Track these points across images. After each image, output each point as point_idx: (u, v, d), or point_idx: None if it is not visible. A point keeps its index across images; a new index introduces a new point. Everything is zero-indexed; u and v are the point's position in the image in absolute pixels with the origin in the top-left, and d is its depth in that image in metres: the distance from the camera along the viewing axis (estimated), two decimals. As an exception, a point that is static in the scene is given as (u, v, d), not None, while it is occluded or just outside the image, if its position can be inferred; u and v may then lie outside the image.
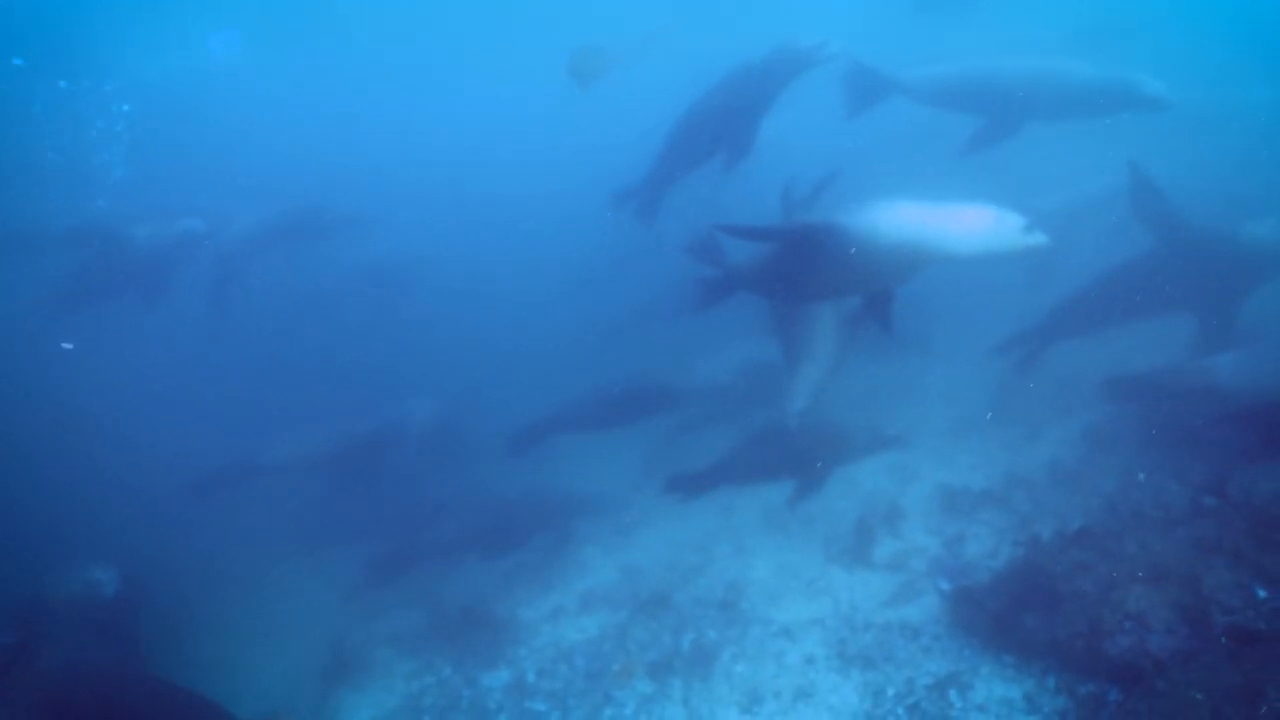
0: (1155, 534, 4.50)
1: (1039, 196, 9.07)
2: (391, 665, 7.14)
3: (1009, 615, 4.72)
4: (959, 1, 14.19)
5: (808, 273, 4.92)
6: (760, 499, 8.33)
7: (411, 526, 9.13)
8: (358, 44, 20.22)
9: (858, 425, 9.20)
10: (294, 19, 18.71)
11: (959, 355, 9.51)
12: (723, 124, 6.86)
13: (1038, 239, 4.10)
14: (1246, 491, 4.68)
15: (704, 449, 9.82)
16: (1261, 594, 3.93)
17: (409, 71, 21.51)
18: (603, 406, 8.78)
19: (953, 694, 4.38)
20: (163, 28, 15.91)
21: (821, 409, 6.99)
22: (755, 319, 7.82)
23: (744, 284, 5.81)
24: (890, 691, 4.60)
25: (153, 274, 9.73)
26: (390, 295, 13.00)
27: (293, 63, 19.53)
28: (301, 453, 9.68)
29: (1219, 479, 5.11)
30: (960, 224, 4.21)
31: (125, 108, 12.56)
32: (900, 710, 4.40)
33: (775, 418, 6.92)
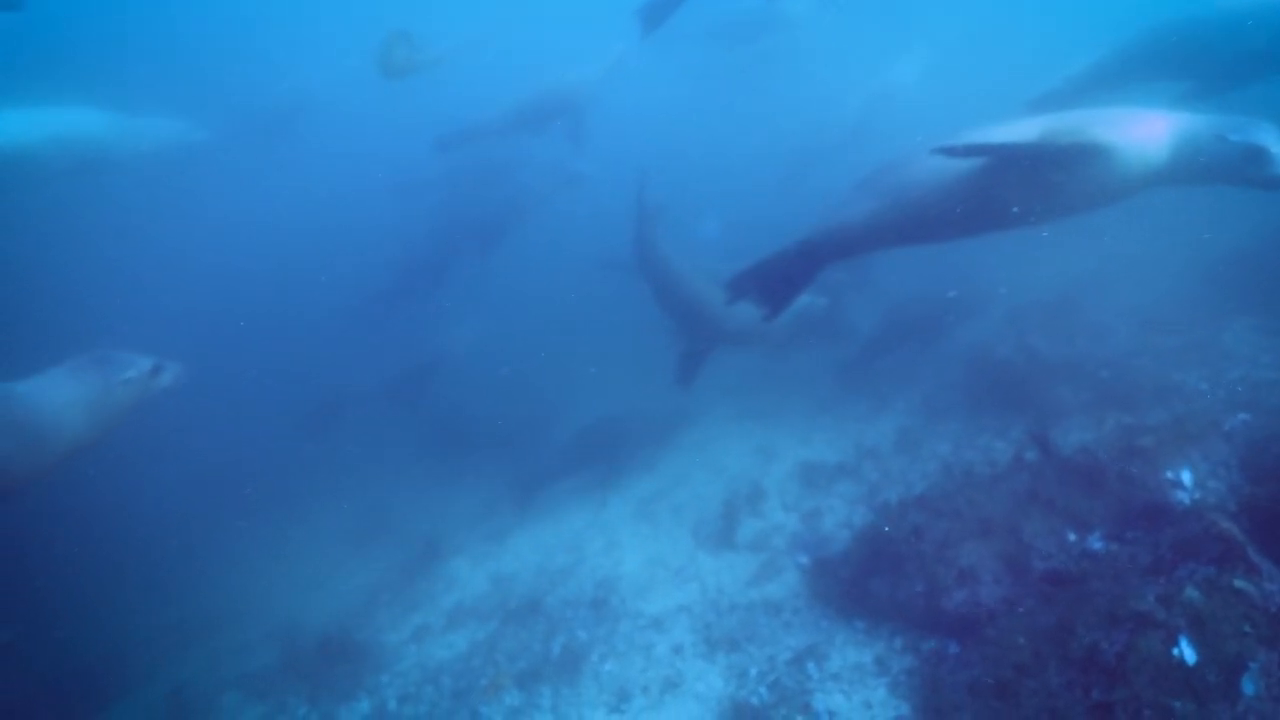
0: (982, 491, 4.78)
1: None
2: (239, 710, 6.53)
3: (859, 582, 4.89)
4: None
5: (1013, 197, 4.06)
6: (633, 492, 8.32)
7: None
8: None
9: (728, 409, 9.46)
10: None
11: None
12: None
13: None
14: (1057, 444, 5.07)
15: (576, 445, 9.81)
16: (1071, 537, 4.25)
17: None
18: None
19: (810, 666, 4.47)
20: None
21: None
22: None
23: (858, 242, 4.73)
24: (753, 671, 4.64)
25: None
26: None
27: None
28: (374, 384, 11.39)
29: (1036, 434, 5.54)
30: (1226, 140, 3.63)
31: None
32: (762, 689, 4.44)
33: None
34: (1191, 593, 3.23)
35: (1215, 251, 7.53)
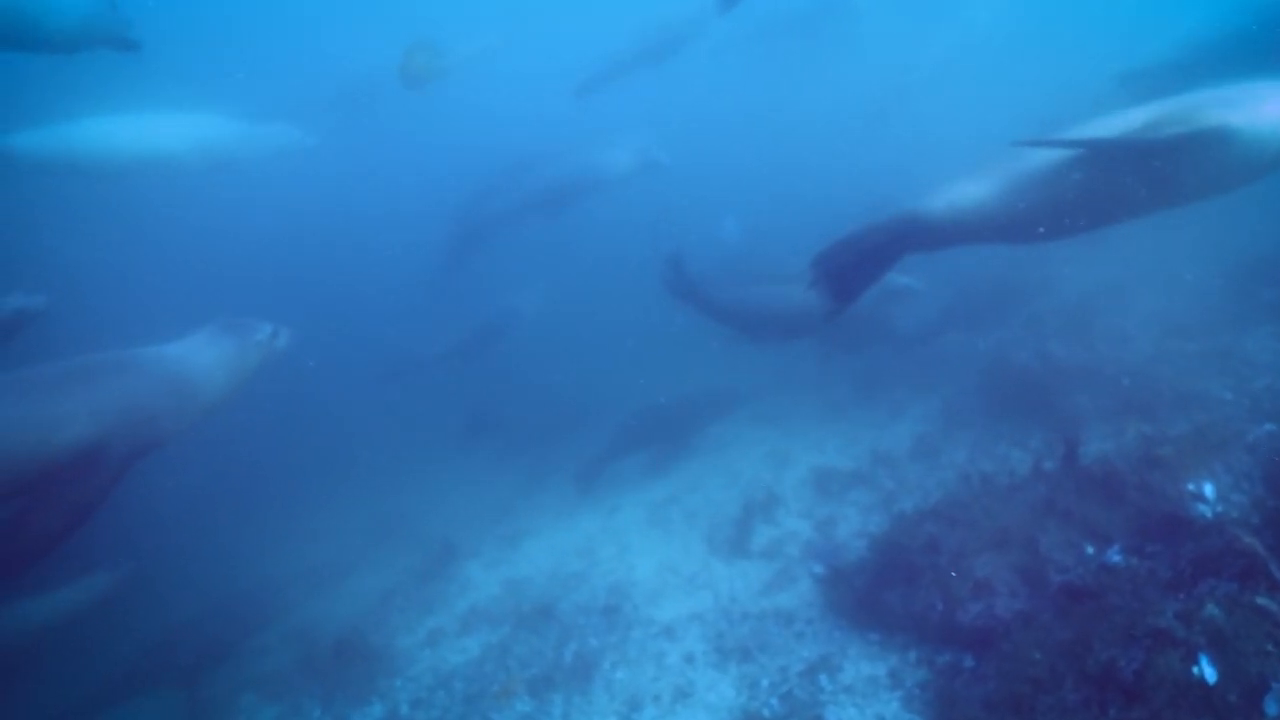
0: (998, 501, 4.72)
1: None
2: (255, 711, 6.58)
3: (873, 592, 4.84)
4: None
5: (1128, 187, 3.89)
6: (645, 496, 8.31)
7: None
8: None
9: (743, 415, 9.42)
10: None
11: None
12: None
13: None
14: (1075, 453, 4.99)
15: (592, 448, 9.84)
16: (1089, 550, 4.19)
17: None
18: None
19: (823, 678, 4.43)
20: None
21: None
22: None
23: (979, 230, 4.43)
24: (765, 682, 4.61)
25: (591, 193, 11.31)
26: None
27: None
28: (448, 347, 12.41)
29: (1053, 443, 5.46)
30: None
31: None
32: (774, 700, 4.41)
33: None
34: (1212, 610, 3.16)
35: (1239, 256, 7.39)
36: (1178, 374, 5.97)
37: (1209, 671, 2.98)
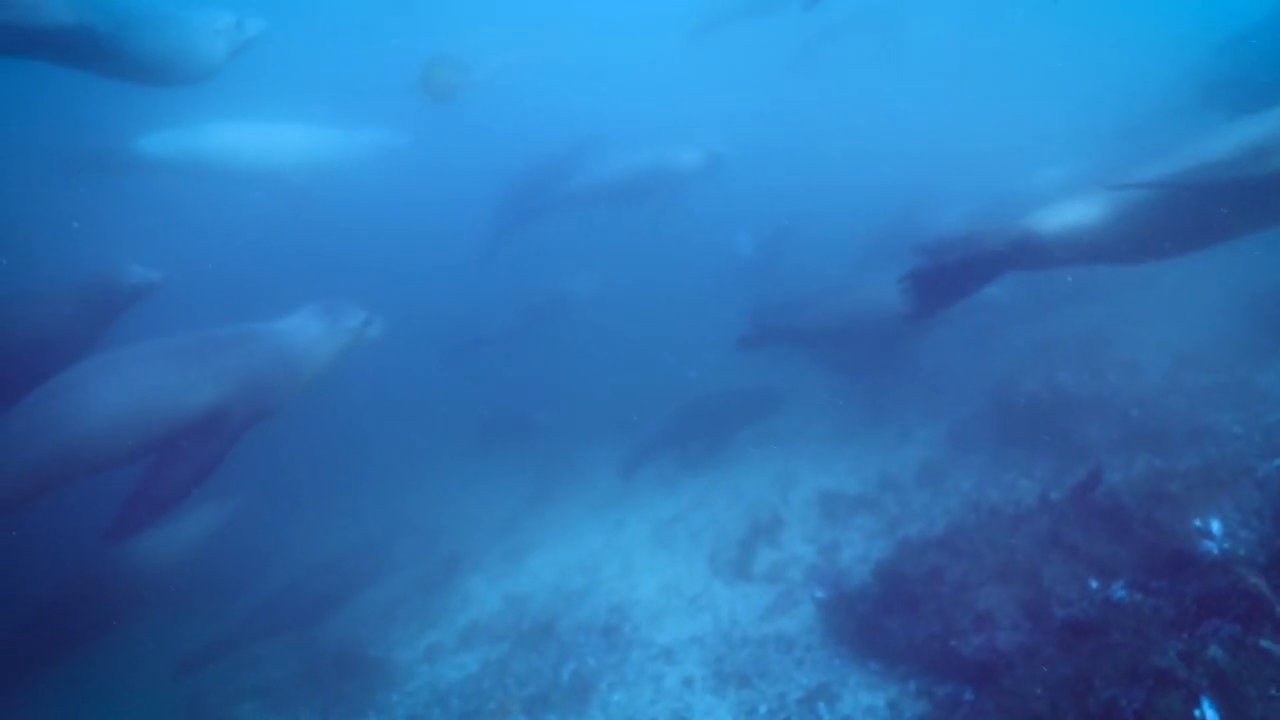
0: (1003, 532, 4.67)
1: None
2: (255, 722, 6.60)
3: (875, 620, 4.79)
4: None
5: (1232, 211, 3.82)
6: (651, 513, 8.29)
7: None
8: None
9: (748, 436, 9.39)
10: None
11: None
12: None
13: None
14: (1097, 485, 4.92)
15: (599, 462, 9.82)
16: (1094, 584, 4.13)
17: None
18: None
19: (821, 707, 4.39)
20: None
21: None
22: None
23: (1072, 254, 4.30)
24: (763, 709, 4.57)
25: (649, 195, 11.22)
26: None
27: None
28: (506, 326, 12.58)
29: (1062, 474, 5.41)
30: None
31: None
32: (771, 728, 4.37)
33: None
34: (1215, 651, 3.10)
35: (1255, 287, 7.32)
36: (1189, 406, 5.92)
37: (1211, 715, 2.93)
